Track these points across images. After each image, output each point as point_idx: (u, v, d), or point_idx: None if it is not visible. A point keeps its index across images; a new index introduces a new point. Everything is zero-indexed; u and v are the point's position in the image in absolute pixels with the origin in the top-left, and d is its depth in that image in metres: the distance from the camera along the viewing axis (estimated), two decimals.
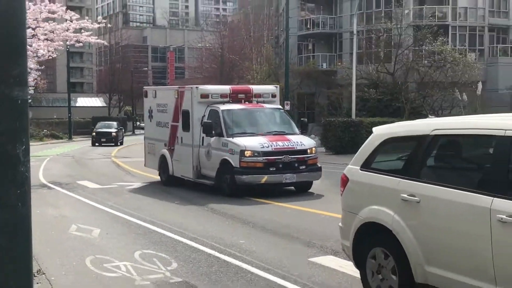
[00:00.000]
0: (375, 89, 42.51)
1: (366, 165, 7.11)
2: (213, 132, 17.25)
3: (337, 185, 7.97)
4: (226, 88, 19.02)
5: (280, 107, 19.65)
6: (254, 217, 12.92)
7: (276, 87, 20.52)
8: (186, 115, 18.70)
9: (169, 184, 19.58)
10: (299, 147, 17.18)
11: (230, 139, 17.09)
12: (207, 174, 18.12)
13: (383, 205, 6.65)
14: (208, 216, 13.59)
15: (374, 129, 7.59)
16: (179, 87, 20.80)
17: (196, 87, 18.81)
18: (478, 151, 6.41)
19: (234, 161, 16.60)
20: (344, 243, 7.31)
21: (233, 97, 18.26)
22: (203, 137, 17.87)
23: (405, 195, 6.36)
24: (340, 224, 7.41)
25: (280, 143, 17.07)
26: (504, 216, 5.33)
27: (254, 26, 77.21)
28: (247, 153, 16.57)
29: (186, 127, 18.63)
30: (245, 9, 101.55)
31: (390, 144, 7.27)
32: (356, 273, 7.23)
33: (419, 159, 6.63)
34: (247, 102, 18.35)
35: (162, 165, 20.32)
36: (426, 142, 6.57)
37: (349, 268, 7.59)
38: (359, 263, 7.04)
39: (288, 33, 50.24)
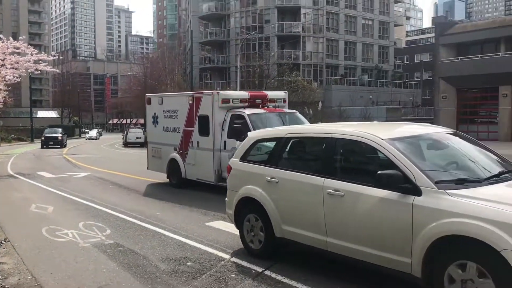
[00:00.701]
0: None
1: (244, 158, 7.17)
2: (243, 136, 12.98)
3: None
4: (245, 94, 13.97)
5: (295, 111, 14.45)
6: (170, 198, 12.67)
7: (285, 93, 15.10)
8: (204, 120, 13.24)
9: (180, 187, 14.11)
10: None
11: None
12: None
13: (254, 185, 6.68)
14: (135, 197, 13.21)
15: (248, 133, 7.74)
16: (194, 93, 14.74)
17: (217, 92, 13.34)
18: (316, 148, 6.58)
19: None
20: (229, 211, 7.33)
21: (251, 102, 13.56)
22: (225, 141, 12.71)
23: (269, 178, 6.44)
24: (226, 198, 7.45)
25: None
26: (331, 190, 5.54)
27: (168, 60, 76.66)
28: None
29: (205, 131, 13.20)
30: (162, 48, 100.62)
31: (259, 144, 7.39)
32: (237, 232, 7.30)
33: (278, 153, 6.75)
34: (265, 107, 13.86)
35: (172, 169, 14.56)
36: (282, 142, 6.73)
37: (232, 228, 7.64)
38: (239, 225, 7.08)
39: (192, 66, 50.33)
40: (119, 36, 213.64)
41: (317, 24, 62.98)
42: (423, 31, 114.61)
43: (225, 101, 12.93)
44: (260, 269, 6.20)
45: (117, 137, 65.28)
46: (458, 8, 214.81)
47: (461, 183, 4.82)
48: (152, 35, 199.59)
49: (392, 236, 4.95)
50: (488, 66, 34.44)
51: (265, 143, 7.41)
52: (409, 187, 4.83)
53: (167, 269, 6.37)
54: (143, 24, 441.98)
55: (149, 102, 15.78)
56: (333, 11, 63.91)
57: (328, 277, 5.84)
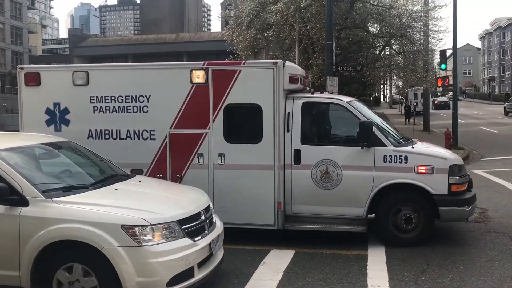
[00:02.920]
0: None
1: None
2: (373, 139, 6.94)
3: None
4: (301, 70, 8.11)
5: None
6: None
7: None
8: (243, 113, 7.33)
9: None
10: None
11: (405, 148, 7.06)
12: (315, 213, 7.15)
13: None
14: None
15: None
16: (208, 64, 7.28)
17: (283, 63, 7.17)
18: None
19: (436, 184, 6.78)
20: None
21: (304, 84, 7.87)
22: (297, 150, 7.06)
23: None
24: None
25: None
26: None
27: None
28: (455, 170, 6.94)
29: (245, 134, 7.34)
30: None
31: None
32: None
33: None
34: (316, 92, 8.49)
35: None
36: None
37: None
38: None
39: None
40: None
41: None
42: (59, 41, 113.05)
43: (294, 80, 7.21)
44: None
45: None
46: (93, 23, 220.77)
47: (69, 190, 4.96)
48: None
49: (1, 250, 4.66)
50: None
51: None
52: (16, 198, 4.65)
53: None
54: None
55: (37, 82, 7.64)
56: None
57: None
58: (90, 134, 7.46)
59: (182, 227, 4.76)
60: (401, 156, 6.82)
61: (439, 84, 24.47)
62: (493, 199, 10.13)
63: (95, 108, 7.44)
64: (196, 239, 4.85)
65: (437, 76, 27.06)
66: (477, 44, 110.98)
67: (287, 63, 7.29)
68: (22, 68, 7.84)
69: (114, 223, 4.47)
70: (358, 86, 28.65)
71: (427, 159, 6.90)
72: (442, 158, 6.98)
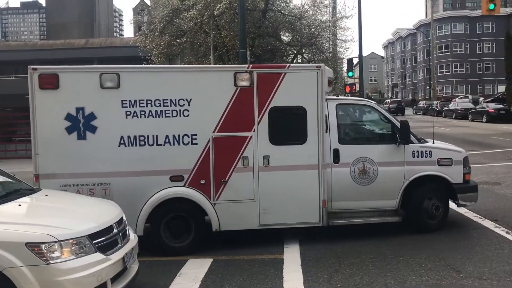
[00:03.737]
0: None
1: None
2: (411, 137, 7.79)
3: None
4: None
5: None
6: None
7: None
8: (287, 115, 7.25)
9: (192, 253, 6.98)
10: None
11: (428, 144, 7.96)
12: (353, 208, 7.64)
13: None
14: None
15: None
16: (252, 67, 7.25)
17: (325, 67, 7.51)
18: None
19: (454, 175, 7.77)
20: None
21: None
22: (336, 150, 7.47)
23: None
24: None
25: None
26: None
27: None
28: (467, 162, 8.06)
29: (289, 136, 7.29)
30: None
31: None
32: None
33: None
34: None
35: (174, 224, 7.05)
36: None
37: None
38: None
39: None
40: None
41: None
42: None
43: (330, 83, 7.84)
44: None
45: None
46: None
47: None
48: None
49: None
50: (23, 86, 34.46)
51: None
52: None
53: None
54: None
55: (55, 85, 6.81)
56: None
57: None
58: (122, 141, 6.90)
59: (93, 242, 4.56)
60: (426, 151, 7.74)
61: (347, 91, 25.74)
62: None
63: (128, 113, 6.90)
64: (108, 253, 4.67)
65: (345, 83, 28.43)
66: (381, 52, 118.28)
67: (325, 67, 7.52)
68: (35, 69, 6.78)
69: (17, 241, 4.17)
70: None
71: (447, 153, 7.93)
72: (457, 152, 8.06)
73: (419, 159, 7.71)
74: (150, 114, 6.94)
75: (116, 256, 4.76)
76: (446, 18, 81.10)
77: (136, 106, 6.91)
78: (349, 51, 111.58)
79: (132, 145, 6.91)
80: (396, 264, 6.38)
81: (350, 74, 24.89)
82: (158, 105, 6.95)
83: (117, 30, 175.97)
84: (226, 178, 7.08)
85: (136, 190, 6.86)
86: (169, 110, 6.98)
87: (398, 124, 7.66)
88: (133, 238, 5.38)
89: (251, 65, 7.41)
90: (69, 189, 6.70)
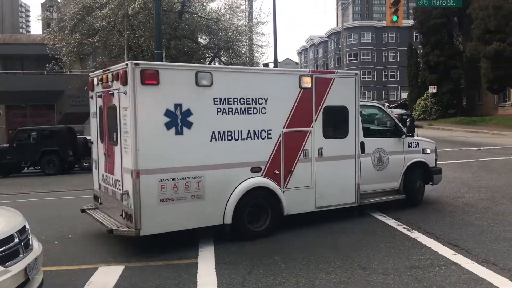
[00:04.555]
0: None
1: None
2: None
3: None
4: None
5: None
6: None
7: None
8: (335, 113, 8.63)
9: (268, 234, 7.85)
10: None
11: (416, 137, 10.18)
12: (373, 189, 9.31)
13: None
14: None
15: None
16: (313, 71, 8.55)
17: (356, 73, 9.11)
18: None
19: (431, 160, 10.32)
20: None
21: None
22: (362, 143, 9.01)
23: None
24: None
25: None
26: None
27: None
28: (436, 150, 10.64)
29: (336, 131, 8.65)
30: None
31: None
32: None
33: None
34: None
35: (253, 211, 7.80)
36: None
37: None
38: None
39: None
40: None
41: None
42: None
43: None
44: None
45: None
46: None
47: None
48: None
49: None
50: None
51: None
52: None
53: None
54: None
55: (155, 80, 6.82)
56: None
57: None
58: (214, 136, 7.38)
59: None
60: (415, 142, 9.99)
61: None
62: None
63: (219, 110, 7.42)
64: (8, 264, 4.34)
65: None
66: (296, 58, 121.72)
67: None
68: (137, 64, 6.76)
69: None
70: None
71: (426, 143, 10.25)
72: (431, 142, 10.41)
73: (412, 149, 9.91)
74: (236, 111, 7.58)
75: (17, 267, 4.43)
76: (355, 27, 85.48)
77: (225, 104, 7.47)
78: (265, 56, 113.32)
79: (222, 139, 7.45)
80: (307, 263, 6.56)
81: None
82: (242, 103, 7.64)
83: (24, 27, 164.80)
84: (292, 168, 8.14)
85: (225, 181, 7.46)
86: (250, 108, 7.72)
87: (399, 122, 9.89)
88: (37, 247, 5.04)
89: (310, 69, 8.68)
90: (166, 183, 6.90)
